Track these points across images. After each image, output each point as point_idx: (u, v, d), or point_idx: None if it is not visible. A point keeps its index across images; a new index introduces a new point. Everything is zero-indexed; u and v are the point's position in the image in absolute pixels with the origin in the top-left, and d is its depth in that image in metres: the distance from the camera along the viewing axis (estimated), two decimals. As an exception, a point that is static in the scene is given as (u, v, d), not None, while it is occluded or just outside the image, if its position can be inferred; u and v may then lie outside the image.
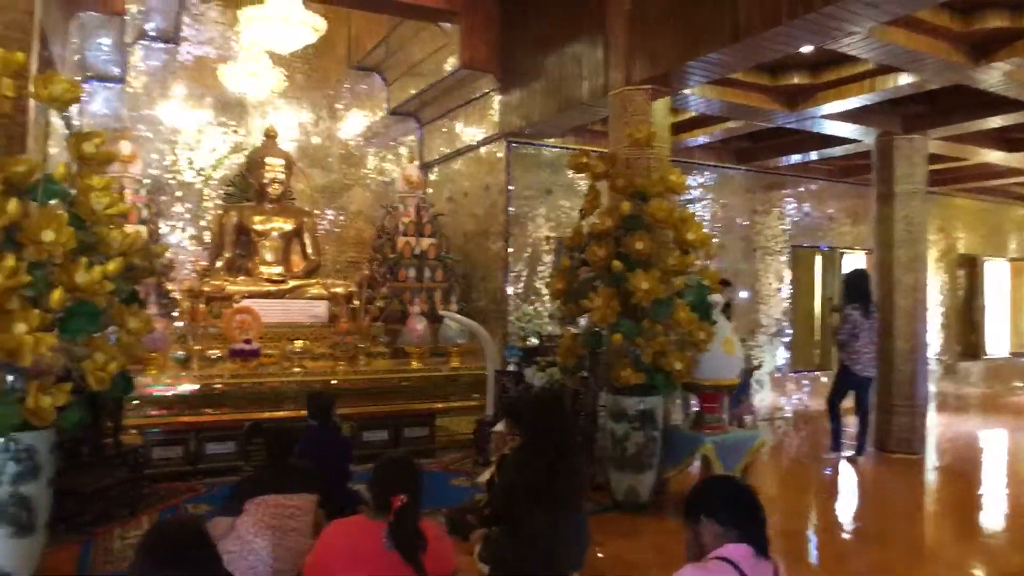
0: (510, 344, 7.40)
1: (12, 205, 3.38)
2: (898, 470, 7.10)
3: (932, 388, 11.44)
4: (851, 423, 7.60)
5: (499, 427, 5.74)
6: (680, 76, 5.71)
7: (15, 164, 3.54)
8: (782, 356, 10.23)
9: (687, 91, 6.35)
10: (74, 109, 8.02)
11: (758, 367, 9.55)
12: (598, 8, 6.30)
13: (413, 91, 9.32)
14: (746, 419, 8.65)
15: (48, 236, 3.47)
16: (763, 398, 9.93)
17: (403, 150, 10.28)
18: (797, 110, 6.94)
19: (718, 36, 5.05)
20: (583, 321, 5.82)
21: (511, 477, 3.72)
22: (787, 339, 10.26)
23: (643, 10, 5.81)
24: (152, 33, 8.85)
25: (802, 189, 10.42)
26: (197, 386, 6.69)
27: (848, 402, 7.48)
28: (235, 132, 9.48)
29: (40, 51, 4.64)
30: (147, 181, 8.56)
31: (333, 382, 7.17)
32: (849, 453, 7.41)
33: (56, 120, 6.93)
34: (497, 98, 8.19)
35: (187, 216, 9.11)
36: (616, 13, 6.06)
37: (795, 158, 9.36)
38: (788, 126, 7.74)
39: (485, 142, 8.57)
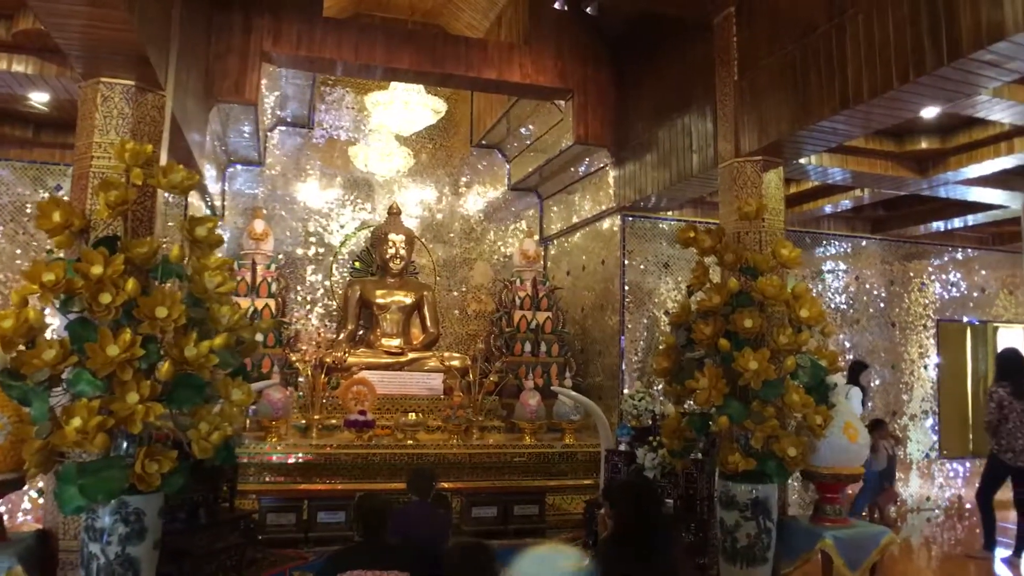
0: (622, 422, 7.19)
1: (131, 284, 3.66)
2: (1065, 576, 6.27)
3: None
4: (1012, 518, 6.80)
5: (603, 510, 5.55)
6: (791, 146, 5.50)
7: (138, 246, 3.85)
8: (929, 441, 9.37)
9: (803, 160, 6.12)
10: (216, 190, 8.74)
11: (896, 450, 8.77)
12: (708, 80, 6.22)
13: (531, 167, 9.51)
14: (890, 509, 7.97)
15: (162, 312, 3.73)
16: (909, 487, 9.11)
17: (523, 224, 10.44)
18: (928, 176, 6.51)
19: (828, 104, 4.84)
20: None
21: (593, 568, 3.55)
22: (935, 422, 9.41)
23: (751, 80, 5.69)
24: (288, 119, 9.57)
25: (947, 258, 9.68)
26: (312, 455, 6.90)
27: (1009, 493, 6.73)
28: (363, 209, 9.99)
29: (175, 140, 5.09)
30: (280, 256, 9.15)
31: (435, 453, 7.21)
32: (1007, 553, 6.62)
33: (197, 202, 7.55)
34: (612, 172, 8.20)
35: (317, 290, 9.62)
36: (724, 83, 5.97)
37: (936, 226, 8.75)
38: (923, 193, 7.27)
39: (600, 216, 8.57)
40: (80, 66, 4.22)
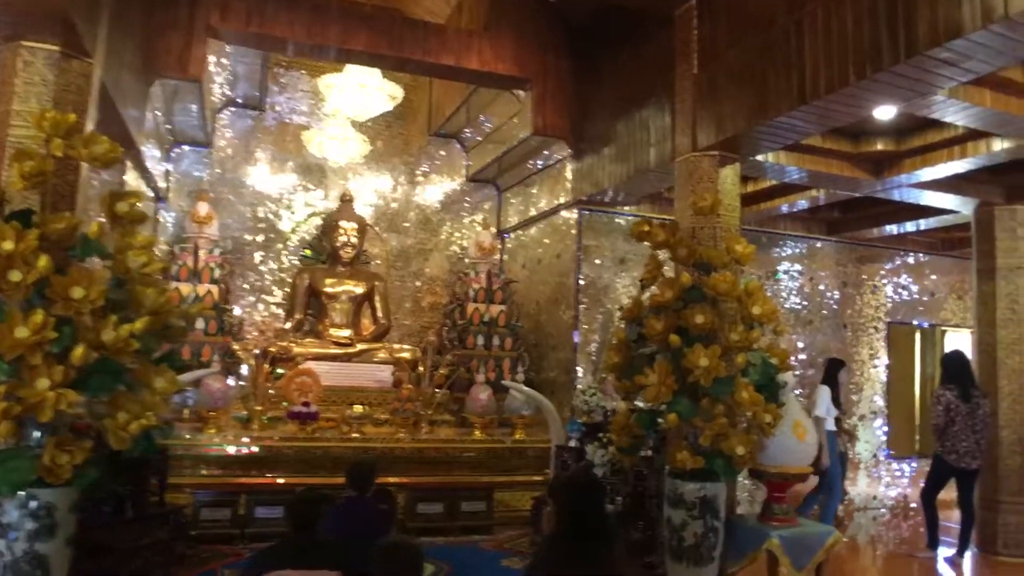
0: (573, 418, 7.08)
1: (43, 261, 3.42)
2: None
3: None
4: (955, 518, 6.86)
5: (549, 508, 5.44)
6: (748, 141, 5.42)
7: (55, 221, 3.60)
8: (877, 440, 9.45)
9: (760, 157, 6.05)
10: (159, 171, 8.41)
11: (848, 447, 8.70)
12: (667, 73, 6.12)
13: (490, 158, 9.35)
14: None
15: (77, 292, 3.49)
16: (857, 486, 9.16)
17: (480, 216, 10.27)
18: (883, 178, 6.50)
19: (785, 99, 4.76)
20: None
21: (532, 566, 3.42)
22: (883, 422, 9.49)
23: (710, 74, 5.59)
24: (239, 100, 9.26)
25: (899, 262, 9.76)
26: (252, 447, 6.67)
27: (953, 493, 6.78)
28: (316, 196, 9.72)
29: (107, 114, 4.83)
30: (227, 242, 8.87)
31: (374, 447, 7.03)
32: (950, 553, 6.66)
33: (136, 182, 7.25)
34: (570, 165, 8.07)
35: (266, 277, 9.33)
36: (684, 77, 5.87)
37: (890, 229, 8.79)
38: (879, 196, 7.28)
39: (557, 209, 8.44)
40: (-1, 28, 3.96)
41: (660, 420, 5.16)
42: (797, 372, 8.25)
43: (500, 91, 8.35)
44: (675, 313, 5.12)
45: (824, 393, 7.00)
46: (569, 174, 8.09)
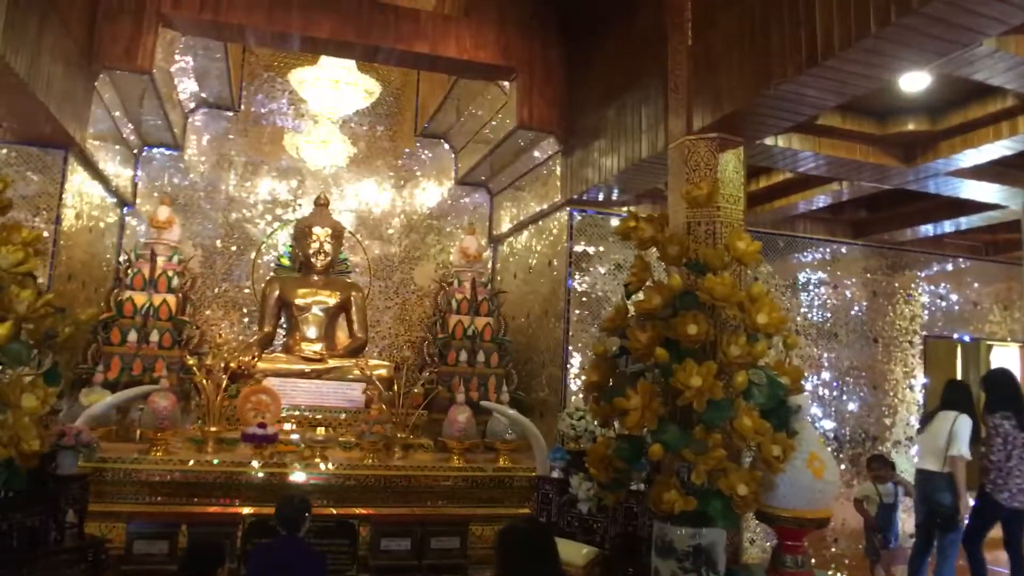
0: (557, 446, 6.24)
1: None
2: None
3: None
4: (1002, 560, 5.89)
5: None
6: (752, 119, 4.58)
7: None
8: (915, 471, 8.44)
9: (768, 141, 5.21)
10: (122, 174, 7.82)
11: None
12: (660, 51, 5.31)
13: (478, 158, 8.60)
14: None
15: None
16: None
17: (467, 221, 9.52)
18: (915, 165, 5.60)
19: (791, 62, 3.93)
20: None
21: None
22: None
23: (706, 44, 4.78)
24: (211, 100, 8.65)
25: (936, 268, 8.79)
26: (195, 472, 6.00)
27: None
28: (294, 202, 9.05)
29: (17, 102, 4.24)
30: (197, 250, 8.38)
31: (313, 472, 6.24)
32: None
33: (88, 186, 6.66)
34: (560, 162, 7.28)
35: (240, 287, 8.66)
36: (677, 51, 5.06)
37: (925, 230, 7.84)
38: (911, 189, 6.36)
39: (548, 212, 7.64)
40: None
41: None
42: (820, 393, 7.31)
43: (487, 85, 7.61)
44: (663, 323, 4.29)
45: (966, 425, 5.77)
46: (558, 172, 7.29)
